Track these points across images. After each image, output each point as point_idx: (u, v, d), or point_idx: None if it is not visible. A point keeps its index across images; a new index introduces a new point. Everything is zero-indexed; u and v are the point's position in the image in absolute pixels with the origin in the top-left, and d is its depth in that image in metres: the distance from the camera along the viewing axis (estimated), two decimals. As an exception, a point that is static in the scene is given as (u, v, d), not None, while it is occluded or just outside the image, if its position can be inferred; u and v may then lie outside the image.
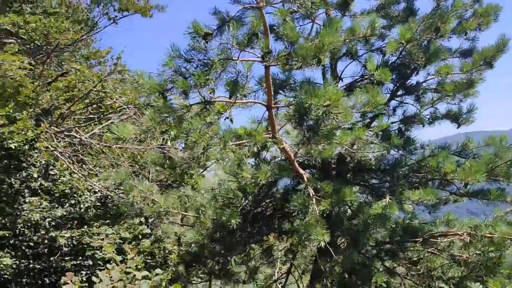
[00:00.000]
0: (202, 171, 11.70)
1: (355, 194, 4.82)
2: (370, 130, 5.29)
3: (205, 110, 4.35)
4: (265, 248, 7.03)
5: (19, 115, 8.04)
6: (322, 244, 4.41)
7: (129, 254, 8.56)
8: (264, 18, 3.99)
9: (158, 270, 8.31)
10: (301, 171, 5.17)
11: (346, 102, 4.18)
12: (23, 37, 11.77)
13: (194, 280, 8.42)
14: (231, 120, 9.23)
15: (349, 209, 5.61)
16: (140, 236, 9.49)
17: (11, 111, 7.66)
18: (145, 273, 8.03)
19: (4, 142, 7.83)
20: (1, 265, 7.95)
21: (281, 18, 4.58)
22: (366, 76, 6.02)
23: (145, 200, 6.33)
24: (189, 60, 4.10)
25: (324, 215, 4.68)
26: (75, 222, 9.75)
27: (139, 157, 9.94)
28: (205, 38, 4.02)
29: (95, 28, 11.96)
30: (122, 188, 5.89)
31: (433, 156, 5.60)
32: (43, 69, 8.92)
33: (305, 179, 5.05)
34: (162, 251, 10.76)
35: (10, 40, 12.07)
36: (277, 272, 8.32)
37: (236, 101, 4.46)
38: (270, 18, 5.07)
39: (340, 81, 5.98)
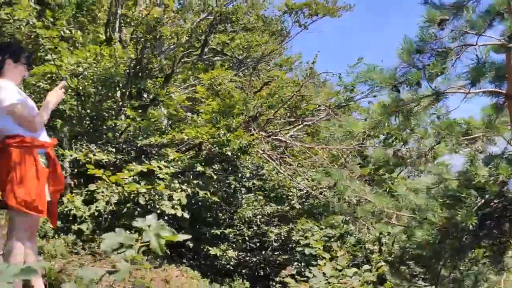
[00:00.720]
0: (401, 171, 11.29)
1: None
2: None
3: (435, 102, 4.14)
4: (494, 253, 6.32)
5: (234, 124, 9.02)
6: None
7: (336, 251, 8.77)
8: (508, -4, 3.58)
9: (366, 267, 8.30)
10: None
11: None
12: (227, 54, 13.21)
13: (399, 282, 8.15)
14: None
15: None
16: (345, 235, 9.66)
17: (231, 122, 8.57)
18: (354, 269, 8.10)
19: (223, 150, 8.83)
20: (227, 257, 9.03)
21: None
22: None
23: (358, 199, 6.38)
24: (421, 50, 3.93)
25: None
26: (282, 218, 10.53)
27: (340, 157, 10.13)
28: (440, 25, 3.81)
29: (288, 37, 12.74)
30: (336, 188, 6.00)
31: None
32: (250, 80, 9.84)
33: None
34: (364, 250, 10.73)
35: (216, 58, 13.70)
36: (504, 281, 7.41)
37: (471, 91, 4.11)
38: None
39: None
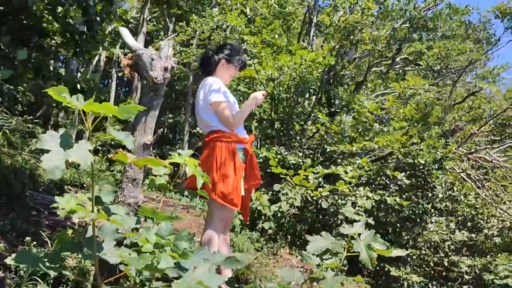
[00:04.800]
0: None
1: None
2: None
3: None
4: None
5: (427, 134, 8.27)
6: None
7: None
8: None
9: None
10: None
11: None
12: (420, 64, 12.33)
13: None
14: None
15: None
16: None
17: (422, 131, 7.89)
18: None
19: (415, 160, 8.14)
20: (410, 281, 8.26)
21: None
22: None
23: None
24: None
25: None
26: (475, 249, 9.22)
27: None
28: None
29: (497, 44, 11.21)
30: None
31: None
32: (452, 90, 8.92)
33: None
34: None
35: (407, 68, 12.93)
36: None
37: None
38: None
39: None
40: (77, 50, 4.28)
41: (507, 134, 9.34)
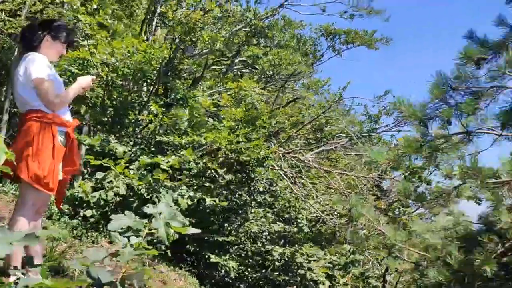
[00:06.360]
0: (416, 209, 11.02)
1: None
2: None
3: (466, 141, 4.01)
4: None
5: (255, 136, 8.98)
6: None
7: (338, 280, 8.55)
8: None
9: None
10: None
11: None
12: (256, 67, 13.25)
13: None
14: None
15: None
16: (349, 264, 9.41)
17: (250, 132, 8.54)
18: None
19: (240, 157, 8.77)
20: (228, 267, 8.87)
21: None
22: None
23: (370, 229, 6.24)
24: (456, 88, 3.83)
25: None
26: (288, 239, 10.35)
27: (356, 184, 9.94)
28: (477, 64, 3.71)
29: (320, 60, 12.73)
30: (353, 213, 5.85)
31: None
32: (277, 96, 9.83)
33: None
34: (367, 285, 10.41)
35: (245, 70, 13.75)
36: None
37: (502, 133, 3.98)
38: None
39: None
40: None
41: (320, 138, 10.74)
